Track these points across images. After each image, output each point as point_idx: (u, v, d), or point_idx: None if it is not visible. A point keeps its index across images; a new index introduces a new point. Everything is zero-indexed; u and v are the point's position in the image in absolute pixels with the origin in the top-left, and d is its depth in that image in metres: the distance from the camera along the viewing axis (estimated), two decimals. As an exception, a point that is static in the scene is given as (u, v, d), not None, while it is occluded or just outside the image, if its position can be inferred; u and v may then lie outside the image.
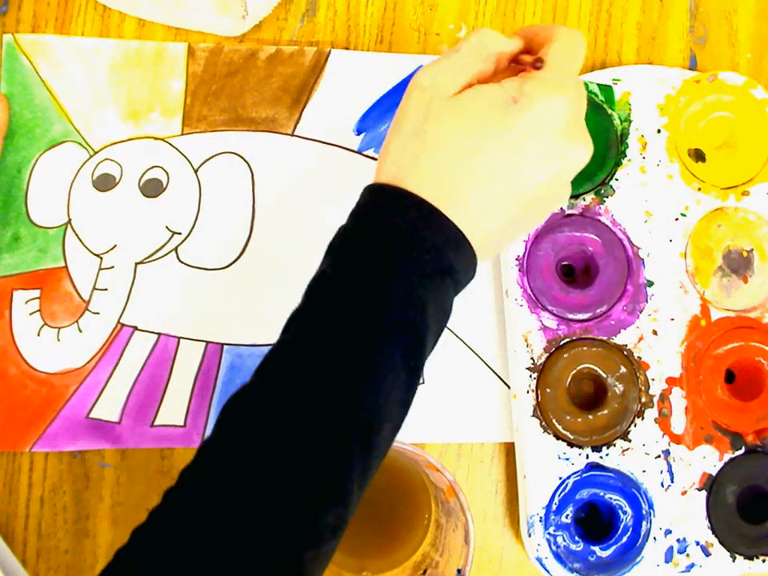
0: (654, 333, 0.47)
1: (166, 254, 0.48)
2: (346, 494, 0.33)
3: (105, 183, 0.48)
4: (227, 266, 0.49)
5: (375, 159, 0.50)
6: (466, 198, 0.35)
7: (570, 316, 0.47)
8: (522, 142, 0.35)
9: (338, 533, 0.34)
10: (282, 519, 0.32)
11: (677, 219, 0.48)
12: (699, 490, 0.47)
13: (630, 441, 0.47)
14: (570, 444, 0.46)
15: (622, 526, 0.46)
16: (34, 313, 0.47)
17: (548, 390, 0.46)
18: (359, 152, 0.50)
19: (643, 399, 0.47)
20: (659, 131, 0.49)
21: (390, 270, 0.34)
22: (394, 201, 0.35)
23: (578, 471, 0.46)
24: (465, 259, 0.36)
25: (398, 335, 0.34)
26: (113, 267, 0.48)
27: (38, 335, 0.47)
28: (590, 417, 0.46)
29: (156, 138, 0.49)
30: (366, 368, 0.34)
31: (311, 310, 0.35)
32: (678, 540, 0.46)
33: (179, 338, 0.48)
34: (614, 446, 0.46)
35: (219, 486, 0.32)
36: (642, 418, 0.47)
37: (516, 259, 0.47)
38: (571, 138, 0.36)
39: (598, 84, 0.49)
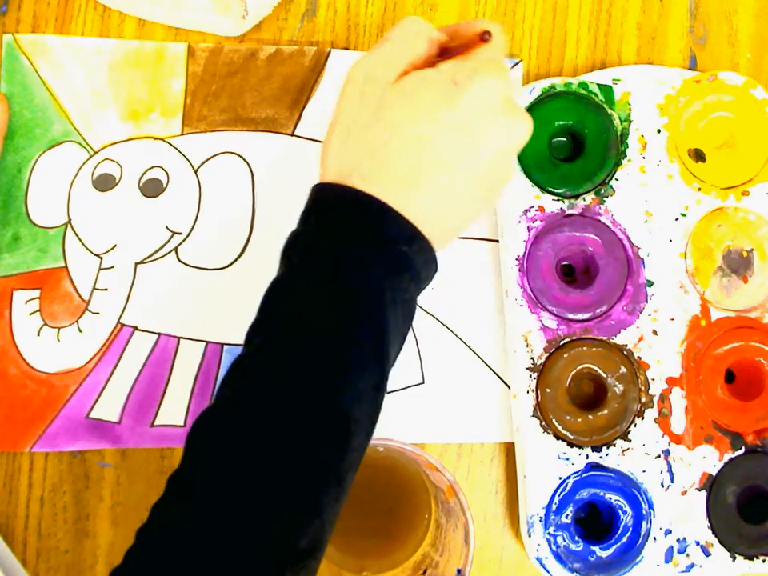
0: (654, 333, 0.47)
1: (166, 254, 0.48)
2: (323, 512, 0.33)
3: (105, 183, 0.48)
4: (227, 266, 0.48)
5: (375, 159, 0.50)
6: (419, 189, 0.35)
7: (570, 316, 0.47)
8: (466, 123, 0.35)
9: (318, 550, 0.33)
10: (259, 545, 0.31)
11: (677, 219, 0.48)
12: (699, 489, 0.47)
13: (630, 441, 0.47)
14: (570, 444, 0.46)
15: (621, 526, 0.46)
16: (34, 313, 0.47)
17: (548, 390, 0.46)
18: (359, 152, 0.50)
19: (643, 399, 0.47)
20: (659, 131, 0.49)
21: (364, 283, 0.34)
22: (351, 206, 0.35)
23: (577, 471, 0.46)
24: (423, 255, 0.36)
25: (370, 348, 0.34)
26: (113, 267, 0.48)
27: (38, 335, 0.47)
28: (590, 417, 0.46)
29: (156, 138, 0.49)
30: (340, 382, 0.33)
31: (280, 321, 0.34)
32: (677, 540, 0.46)
33: (179, 338, 0.48)
34: (614, 446, 0.46)
35: (193, 522, 0.31)
36: (642, 418, 0.47)
37: (516, 259, 0.47)
38: (511, 115, 0.36)
39: (598, 84, 0.49)
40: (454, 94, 0.35)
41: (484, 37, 0.38)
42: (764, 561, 0.46)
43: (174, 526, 0.32)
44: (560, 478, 0.46)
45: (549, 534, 0.45)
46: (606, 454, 0.46)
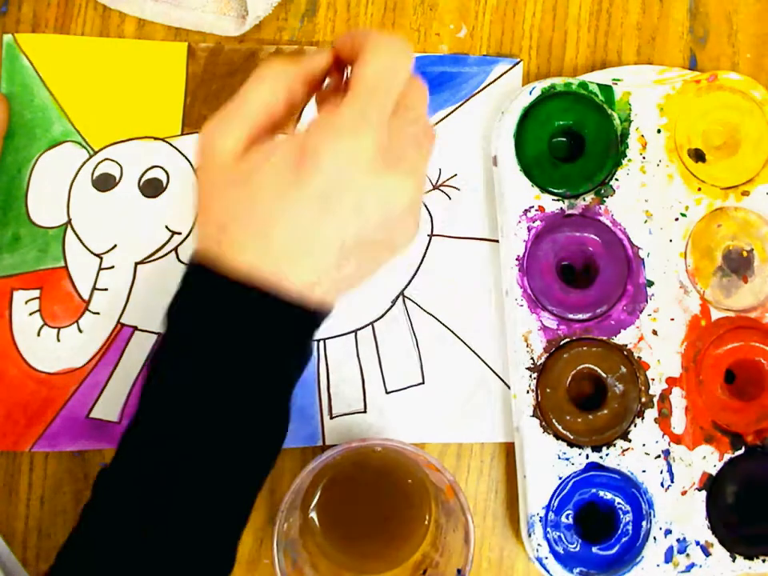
0: (654, 333, 0.47)
1: (165, 254, 0.48)
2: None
3: (105, 183, 0.48)
4: (227, 266, 0.48)
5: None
6: (300, 260, 0.32)
7: (570, 316, 0.47)
8: (322, 201, 0.32)
9: None
10: None
11: (677, 219, 0.48)
12: (699, 490, 0.47)
13: (629, 441, 0.47)
14: (570, 444, 0.46)
15: (621, 526, 0.46)
16: (33, 313, 0.47)
17: (548, 390, 0.46)
18: (359, 152, 0.50)
19: (643, 399, 0.47)
20: (659, 131, 0.49)
21: (255, 368, 0.33)
22: (232, 293, 0.33)
23: (578, 471, 0.46)
24: (319, 315, 0.34)
25: (262, 419, 0.34)
26: (113, 267, 0.48)
27: (38, 335, 0.47)
28: (590, 417, 0.46)
29: (156, 138, 0.49)
30: (229, 465, 0.34)
31: (168, 391, 0.34)
32: (677, 540, 0.46)
33: (179, 338, 0.48)
34: (614, 446, 0.46)
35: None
36: (642, 418, 0.47)
37: (516, 259, 0.47)
38: (385, 175, 0.32)
39: (598, 84, 0.49)
40: (300, 174, 0.32)
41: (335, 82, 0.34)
42: (764, 561, 0.46)
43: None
44: (560, 478, 0.46)
45: (549, 533, 0.45)
46: (606, 454, 0.46)
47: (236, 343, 0.33)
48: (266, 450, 0.35)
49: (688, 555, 0.46)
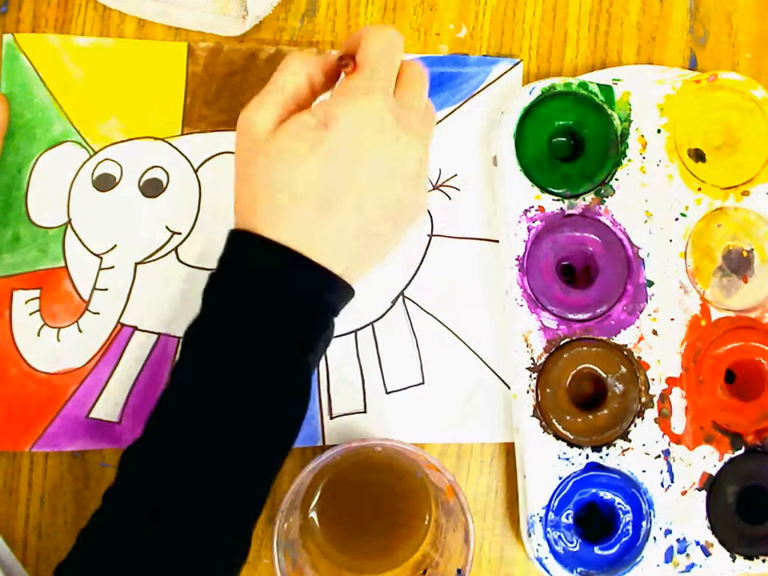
0: (654, 333, 0.47)
1: (166, 254, 0.48)
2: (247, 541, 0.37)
3: (105, 183, 0.48)
4: (227, 266, 0.48)
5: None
6: (317, 234, 0.36)
7: (570, 316, 0.47)
8: (343, 162, 0.36)
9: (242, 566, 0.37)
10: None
11: (677, 219, 0.49)
12: (699, 490, 0.47)
13: (629, 441, 0.47)
14: (570, 444, 0.46)
15: (621, 526, 0.46)
16: (33, 313, 0.47)
17: (548, 390, 0.46)
18: (359, 152, 0.50)
19: (643, 399, 0.47)
20: (659, 131, 0.49)
21: (287, 339, 0.36)
22: (268, 259, 0.36)
23: (578, 471, 0.46)
24: (341, 294, 0.38)
25: (291, 407, 0.37)
26: (113, 267, 0.48)
27: (38, 335, 0.47)
28: (590, 417, 0.46)
29: (156, 138, 0.49)
30: (256, 439, 0.36)
31: (205, 366, 0.36)
32: (677, 540, 0.46)
33: (179, 338, 0.48)
34: (614, 446, 0.46)
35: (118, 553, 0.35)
36: (642, 418, 0.47)
37: (516, 259, 0.47)
38: (397, 133, 0.36)
39: (598, 84, 0.49)
40: (323, 137, 0.36)
41: (343, 65, 0.38)
42: (764, 561, 0.46)
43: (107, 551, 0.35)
44: (560, 478, 0.46)
45: (549, 533, 0.45)
46: (606, 454, 0.46)
47: (267, 300, 0.36)
48: (288, 422, 0.37)
49: (688, 555, 0.46)
